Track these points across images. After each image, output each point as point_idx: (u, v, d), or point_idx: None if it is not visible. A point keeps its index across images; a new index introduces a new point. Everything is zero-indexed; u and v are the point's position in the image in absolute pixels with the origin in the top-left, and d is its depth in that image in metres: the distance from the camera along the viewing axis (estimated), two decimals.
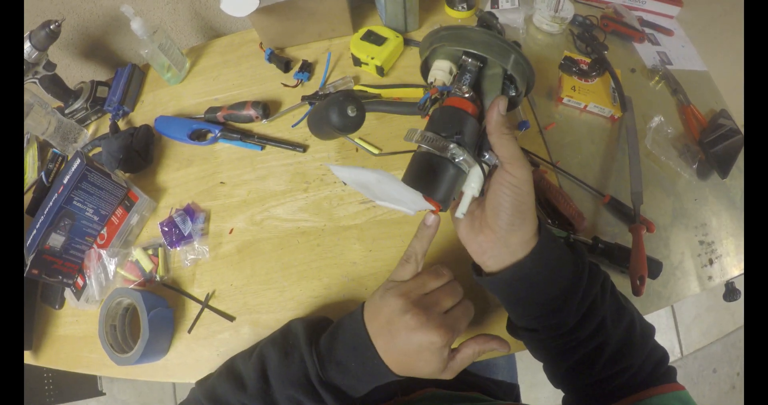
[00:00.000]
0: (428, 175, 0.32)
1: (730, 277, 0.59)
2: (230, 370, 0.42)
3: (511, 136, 0.32)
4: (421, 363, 0.35)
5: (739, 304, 1.41)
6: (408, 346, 0.34)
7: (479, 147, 0.34)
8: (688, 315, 1.46)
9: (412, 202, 0.32)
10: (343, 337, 0.38)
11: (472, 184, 0.34)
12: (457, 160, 0.32)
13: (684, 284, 0.56)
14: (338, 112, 0.37)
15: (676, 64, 0.76)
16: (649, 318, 0.50)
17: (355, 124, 0.38)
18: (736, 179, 0.64)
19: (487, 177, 0.35)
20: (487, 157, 0.34)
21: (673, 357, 1.41)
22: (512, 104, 0.40)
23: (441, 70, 0.37)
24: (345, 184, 0.39)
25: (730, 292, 0.94)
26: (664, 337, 1.43)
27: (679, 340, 1.43)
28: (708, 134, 0.66)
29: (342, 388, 0.38)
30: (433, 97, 0.38)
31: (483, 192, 0.35)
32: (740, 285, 1.16)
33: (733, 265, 0.58)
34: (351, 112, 0.36)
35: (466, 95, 0.35)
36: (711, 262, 0.59)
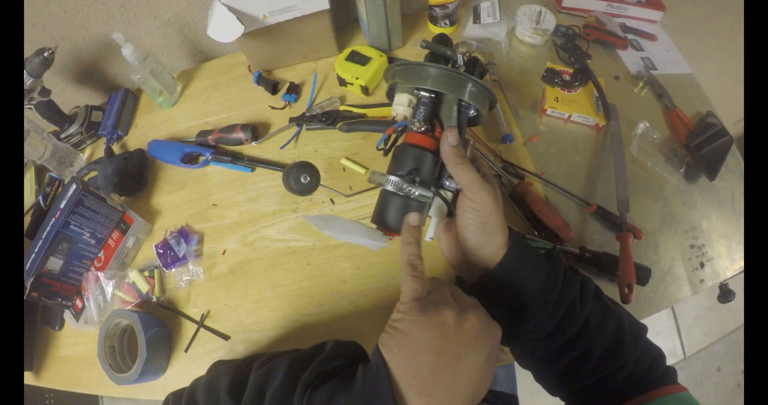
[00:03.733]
0: (390, 212, 0.35)
1: (722, 280, 0.59)
2: (240, 369, 0.38)
3: (466, 164, 0.34)
4: (489, 374, 0.29)
5: (739, 303, 1.41)
6: (480, 358, 0.28)
7: (439, 175, 0.37)
8: (689, 316, 1.45)
9: (377, 240, 0.36)
10: (353, 389, 0.29)
11: (438, 212, 0.37)
12: (412, 197, 0.35)
13: (675, 289, 0.57)
14: (294, 180, 0.42)
15: (660, 68, 0.77)
16: (649, 320, 0.50)
17: (310, 188, 0.43)
18: (725, 180, 0.65)
19: (454, 200, 0.37)
20: (447, 184, 0.37)
21: (676, 358, 1.40)
22: (474, 123, 0.42)
23: (401, 105, 0.38)
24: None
25: (724, 294, 0.94)
26: (665, 339, 1.42)
27: (681, 342, 1.42)
28: (695, 136, 0.66)
29: None
30: (391, 136, 0.39)
31: (451, 213, 0.38)
32: (734, 286, 1.15)
33: (725, 267, 0.59)
34: (303, 180, 0.41)
35: (421, 130, 0.37)
36: (702, 265, 0.59)
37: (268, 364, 0.36)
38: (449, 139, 0.35)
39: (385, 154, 0.39)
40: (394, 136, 0.39)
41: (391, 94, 0.41)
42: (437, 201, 0.36)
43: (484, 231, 0.34)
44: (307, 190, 0.44)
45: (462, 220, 0.35)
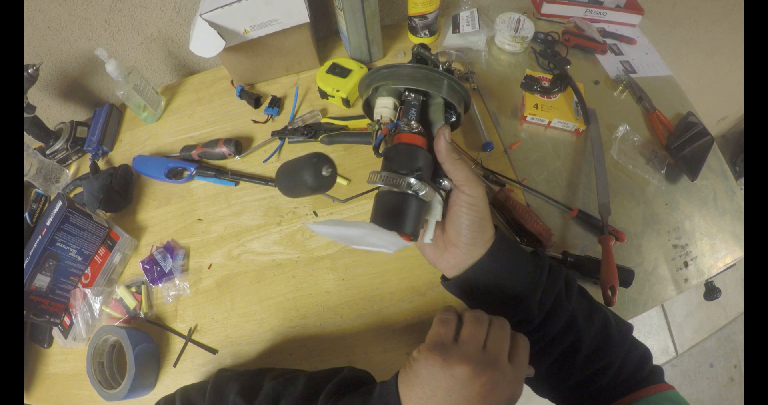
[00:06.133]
0: (396, 212, 0.34)
1: (707, 278, 0.60)
2: (254, 380, 0.40)
3: (461, 160, 0.35)
4: None
5: (729, 298, 1.43)
6: None
7: (434, 175, 0.37)
8: (679, 313, 1.47)
9: (391, 243, 0.34)
10: None
11: (436, 211, 0.37)
12: (420, 195, 0.34)
13: (660, 289, 0.57)
14: (313, 174, 0.35)
15: (640, 71, 0.78)
16: (639, 320, 0.51)
17: (329, 183, 0.38)
18: (707, 179, 0.66)
19: (445, 200, 0.37)
20: (443, 183, 0.37)
21: (668, 356, 1.42)
22: (454, 127, 0.43)
23: (386, 108, 0.39)
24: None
25: (710, 292, 0.96)
26: (657, 338, 1.44)
27: (672, 340, 1.44)
28: (676, 138, 0.67)
29: None
30: (384, 136, 0.39)
31: (443, 214, 0.38)
32: (719, 283, 1.17)
33: (709, 265, 0.59)
34: (326, 172, 0.37)
35: (415, 130, 0.37)
36: (686, 264, 0.60)
37: (285, 376, 0.38)
38: (445, 135, 0.36)
39: (378, 155, 0.39)
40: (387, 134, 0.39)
41: (369, 104, 0.42)
42: (435, 202, 0.36)
43: (480, 225, 0.35)
44: (326, 185, 0.38)
45: (458, 216, 0.36)
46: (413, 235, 0.35)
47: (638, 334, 1.53)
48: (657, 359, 1.43)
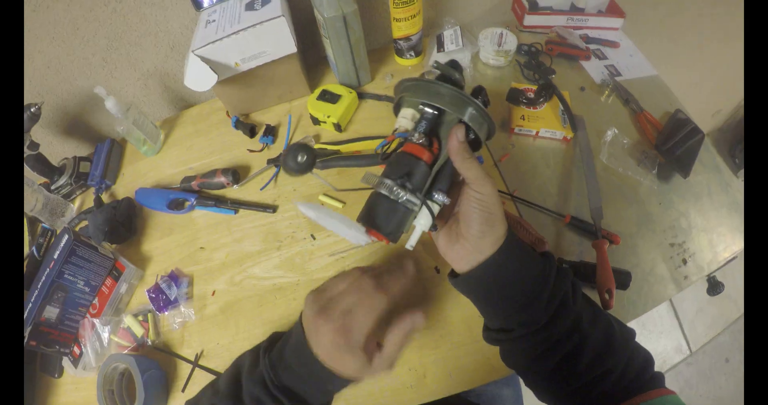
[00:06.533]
0: (378, 213, 0.37)
1: (707, 273, 0.60)
2: (212, 382, 0.45)
3: (473, 159, 0.37)
4: (341, 363, 0.37)
5: (738, 291, 1.41)
6: (324, 346, 0.37)
7: (430, 188, 0.38)
8: (690, 311, 1.45)
9: (355, 237, 0.38)
10: (290, 341, 0.41)
11: (422, 221, 0.38)
12: (400, 201, 0.36)
13: (659, 289, 0.57)
14: (292, 159, 0.46)
15: (625, 74, 0.79)
16: (650, 321, 0.50)
17: (307, 166, 0.46)
18: (700, 175, 0.66)
19: (459, 195, 0.39)
20: (436, 196, 0.38)
21: (682, 355, 1.39)
22: (475, 145, 0.42)
23: (405, 118, 0.40)
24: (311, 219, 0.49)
25: (713, 286, 0.95)
26: (669, 338, 1.41)
27: (685, 338, 1.42)
28: (665, 137, 0.67)
29: (297, 392, 0.39)
30: (392, 144, 0.41)
31: (435, 226, 0.39)
32: (722, 277, 1.14)
33: (708, 261, 0.59)
34: (300, 158, 0.42)
35: (419, 141, 0.38)
36: (685, 261, 0.60)
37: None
38: (458, 135, 0.37)
39: (382, 158, 0.40)
40: (396, 142, 0.40)
41: (397, 109, 0.43)
42: (422, 212, 0.38)
43: (488, 221, 0.36)
44: (304, 168, 0.47)
45: (468, 211, 0.37)
46: (387, 235, 0.37)
47: (650, 334, 1.49)
48: (671, 359, 1.42)
